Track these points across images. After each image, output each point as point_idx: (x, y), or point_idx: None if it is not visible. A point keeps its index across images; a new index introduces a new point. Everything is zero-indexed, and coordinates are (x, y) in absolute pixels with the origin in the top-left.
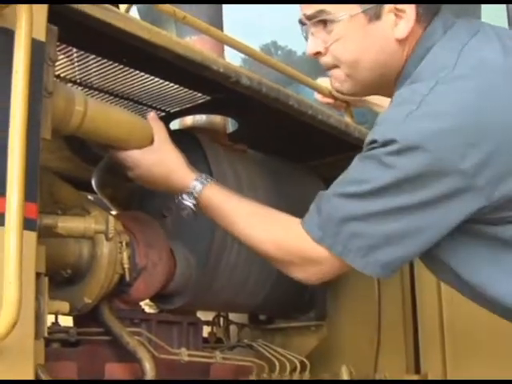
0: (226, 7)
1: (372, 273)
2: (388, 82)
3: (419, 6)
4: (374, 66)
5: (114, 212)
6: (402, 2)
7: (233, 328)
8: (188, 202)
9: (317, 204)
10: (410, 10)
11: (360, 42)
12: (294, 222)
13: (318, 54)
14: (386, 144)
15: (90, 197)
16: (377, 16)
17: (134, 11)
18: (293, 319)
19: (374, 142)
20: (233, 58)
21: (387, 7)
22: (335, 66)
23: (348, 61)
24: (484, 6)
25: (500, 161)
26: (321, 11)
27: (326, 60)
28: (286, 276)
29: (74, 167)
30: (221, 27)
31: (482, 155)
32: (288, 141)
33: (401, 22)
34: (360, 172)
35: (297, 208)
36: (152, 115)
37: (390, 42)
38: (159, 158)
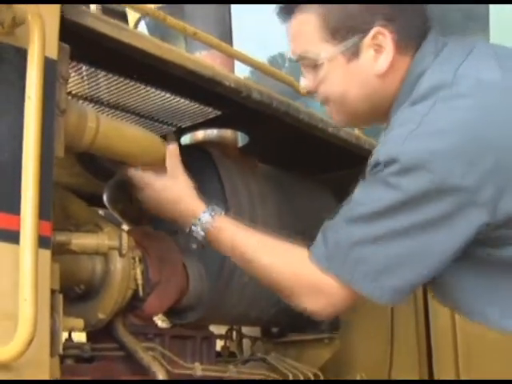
0: (234, 20)
1: (382, 299)
2: (382, 110)
3: (399, 37)
4: (360, 100)
5: (125, 227)
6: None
7: (246, 341)
8: (197, 233)
9: (323, 233)
10: (387, 44)
11: (342, 80)
12: (304, 252)
13: (310, 91)
14: (388, 164)
15: (100, 212)
16: (355, 54)
17: (143, 26)
18: (305, 332)
19: (377, 163)
20: (241, 69)
21: (366, 43)
22: (327, 102)
23: (335, 98)
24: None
25: (500, 177)
26: (303, 55)
27: (318, 97)
28: None
29: (85, 182)
30: (230, 42)
31: (483, 172)
32: (298, 154)
33: (381, 57)
34: (364, 194)
35: (307, 222)
36: (170, 140)
37: (371, 77)
38: (171, 184)
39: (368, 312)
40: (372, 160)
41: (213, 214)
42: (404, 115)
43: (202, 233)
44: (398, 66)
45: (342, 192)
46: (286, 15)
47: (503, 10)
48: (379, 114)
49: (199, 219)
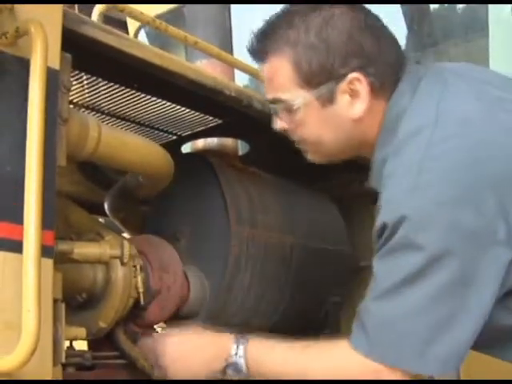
0: (234, 27)
1: (434, 372)
2: (362, 151)
3: (375, 80)
4: (336, 144)
5: (126, 235)
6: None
7: None
8: (237, 368)
9: (358, 320)
10: (363, 89)
11: (317, 125)
12: (346, 346)
13: (285, 130)
14: (398, 225)
15: (101, 220)
16: (330, 100)
17: (143, 34)
18: (307, 338)
19: (384, 228)
20: (241, 77)
21: (341, 89)
22: (303, 143)
23: (310, 142)
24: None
25: (508, 209)
26: (277, 99)
27: (293, 137)
28: (300, 296)
29: (86, 190)
30: (231, 49)
31: (492, 209)
32: (299, 162)
33: (357, 103)
34: (385, 267)
35: (308, 229)
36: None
37: (347, 122)
38: (184, 336)
39: None
40: (377, 226)
41: (243, 340)
42: (396, 168)
43: (242, 361)
44: (374, 108)
45: (342, 198)
46: (258, 59)
47: (502, 11)
48: (359, 153)
49: (233, 350)
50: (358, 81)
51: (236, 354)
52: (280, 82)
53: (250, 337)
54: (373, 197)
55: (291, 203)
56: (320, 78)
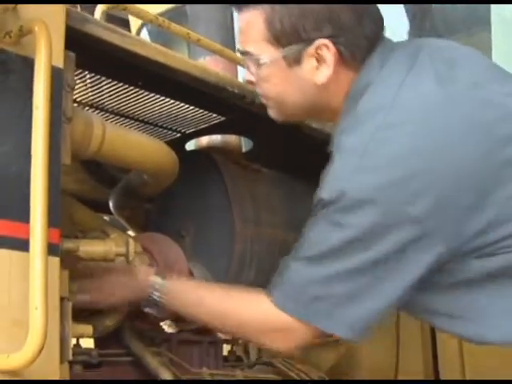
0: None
1: (341, 334)
2: (325, 116)
3: (346, 50)
4: (298, 106)
5: (131, 233)
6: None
7: (252, 346)
8: (154, 296)
9: (280, 272)
10: (329, 57)
11: (281, 84)
12: (262, 295)
13: (251, 82)
14: (333, 201)
15: (106, 218)
16: (296, 61)
17: (145, 32)
18: None
19: (321, 201)
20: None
21: (309, 52)
22: (266, 99)
23: (273, 99)
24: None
25: (452, 203)
26: (247, 52)
27: (257, 90)
28: None
29: (90, 189)
30: (233, 45)
31: (431, 200)
32: (303, 158)
33: (322, 68)
34: (313, 234)
35: None
36: None
37: (310, 86)
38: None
39: None
40: (317, 197)
41: (164, 276)
42: (346, 143)
43: (158, 293)
44: (341, 77)
45: None
46: (237, 8)
47: (504, 10)
48: (321, 117)
49: (152, 282)
50: (325, 47)
51: (155, 286)
52: (252, 35)
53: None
54: None
55: (295, 200)
56: (290, 38)
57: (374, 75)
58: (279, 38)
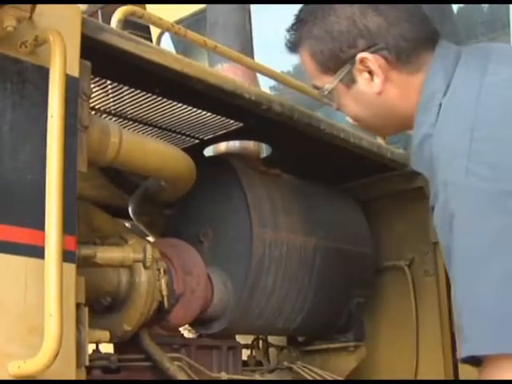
0: (256, 24)
1: None
2: (402, 124)
3: (387, 55)
4: (374, 119)
5: (150, 238)
6: None
7: (272, 350)
8: None
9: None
10: (374, 65)
11: (351, 105)
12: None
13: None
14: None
15: (126, 224)
16: (351, 81)
17: (167, 37)
18: (331, 340)
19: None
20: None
21: (357, 69)
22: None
23: (357, 121)
24: None
25: None
26: (315, 85)
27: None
28: (323, 299)
29: (109, 194)
30: (251, 52)
31: None
32: (321, 163)
33: (374, 78)
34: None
35: (331, 230)
36: None
37: (373, 97)
38: None
39: (393, 320)
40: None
41: None
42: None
43: None
44: (395, 79)
45: (366, 200)
46: (288, 51)
47: None
48: (402, 128)
49: None
50: (367, 59)
51: None
52: (310, 71)
53: None
54: (396, 197)
55: (314, 205)
56: (335, 63)
57: (442, 79)
58: (327, 66)
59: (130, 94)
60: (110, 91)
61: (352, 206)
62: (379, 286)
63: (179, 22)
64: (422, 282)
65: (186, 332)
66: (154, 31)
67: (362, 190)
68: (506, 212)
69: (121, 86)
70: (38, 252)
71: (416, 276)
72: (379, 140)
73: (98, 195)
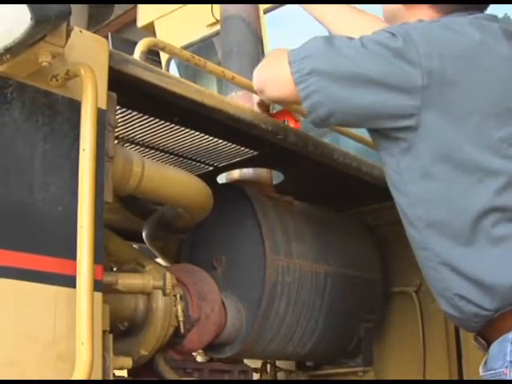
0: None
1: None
2: None
3: None
4: None
5: (161, 261)
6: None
7: (280, 374)
8: None
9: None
10: None
11: None
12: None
13: None
14: None
15: (134, 246)
16: None
17: (173, 64)
18: (340, 365)
19: None
20: None
21: None
22: None
23: None
24: None
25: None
26: None
27: None
28: (333, 324)
29: (122, 219)
30: None
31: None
32: (332, 190)
33: None
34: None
35: (343, 257)
36: None
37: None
38: None
39: (400, 344)
40: None
41: None
42: None
43: None
44: None
45: (374, 225)
46: None
47: None
48: None
49: None
50: None
51: None
52: None
53: None
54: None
55: (325, 231)
56: None
57: None
58: None
59: (148, 122)
60: (130, 120)
61: (362, 231)
62: (387, 312)
63: (188, 46)
64: (429, 308)
65: (199, 356)
66: (163, 57)
67: (373, 216)
68: None
69: (141, 114)
70: (67, 281)
71: (423, 302)
72: None
73: (110, 218)
